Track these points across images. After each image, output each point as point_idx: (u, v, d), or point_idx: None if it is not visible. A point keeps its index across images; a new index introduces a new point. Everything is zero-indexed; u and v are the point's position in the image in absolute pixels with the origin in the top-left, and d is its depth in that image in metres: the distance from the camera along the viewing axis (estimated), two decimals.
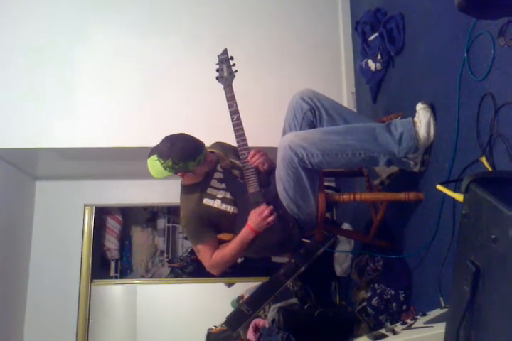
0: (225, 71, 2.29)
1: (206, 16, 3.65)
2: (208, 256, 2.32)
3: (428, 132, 2.06)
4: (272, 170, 2.28)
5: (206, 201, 2.34)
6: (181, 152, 2.22)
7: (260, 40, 3.63)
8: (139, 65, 3.55)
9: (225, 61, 2.31)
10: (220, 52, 2.35)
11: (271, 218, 2.21)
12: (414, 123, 2.08)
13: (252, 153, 2.28)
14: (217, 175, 2.41)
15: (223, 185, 2.37)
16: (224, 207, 2.33)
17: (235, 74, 2.29)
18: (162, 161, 2.23)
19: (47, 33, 3.54)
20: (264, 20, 3.68)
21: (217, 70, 2.32)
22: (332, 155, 2.04)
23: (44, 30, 3.55)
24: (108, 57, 3.57)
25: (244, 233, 2.25)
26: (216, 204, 2.33)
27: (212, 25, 3.63)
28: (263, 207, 2.23)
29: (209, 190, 2.36)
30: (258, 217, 2.22)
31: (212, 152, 2.49)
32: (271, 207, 2.23)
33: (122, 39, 3.59)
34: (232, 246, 2.28)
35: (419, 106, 2.11)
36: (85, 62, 3.54)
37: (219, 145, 2.63)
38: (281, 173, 2.13)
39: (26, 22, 3.54)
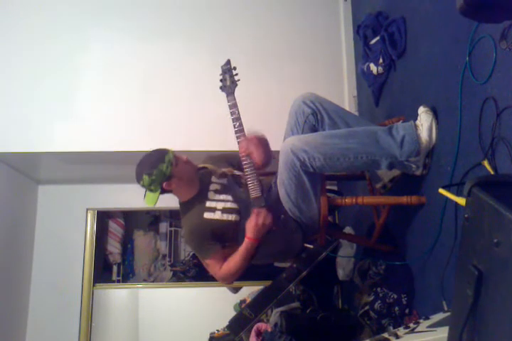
0: (228, 80, 2.31)
1: (207, 21, 3.65)
2: (217, 269, 2.31)
3: (430, 135, 2.06)
4: (273, 173, 2.29)
5: (207, 215, 2.33)
6: (146, 162, 2.28)
7: (261, 44, 3.64)
8: (139, 69, 3.56)
9: (228, 71, 2.33)
10: (223, 63, 2.37)
11: (261, 220, 2.19)
12: (416, 127, 2.08)
13: (242, 142, 2.26)
14: (213, 186, 2.41)
15: (222, 196, 2.37)
16: (225, 216, 2.32)
17: (237, 83, 2.31)
18: (142, 183, 2.27)
19: (48, 37, 3.55)
20: (266, 24, 3.68)
21: (221, 80, 2.34)
22: (334, 158, 2.04)
23: (45, 35, 3.56)
24: (109, 61, 3.58)
25: (246, 244, 2.23)
26: (217, 216, 2.32)
27: (212, 29, 3.64)
28: (253, 214, 2.21)
29: (208, 204, 2.35)
30: (249, 224, 2.21)
31: (204, 167, 2.49)
32: (261, 211, 2.21)
33: (122, 43, 3.60)
34: (237, 258, 2.26)
35: (421, 110, 2.11)
36: (86, 67, 3.55)
37: (208, 158, 2.62)
38: (283, 177, 2.13)
39: (27, 27, 3.55)
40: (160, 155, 2.28)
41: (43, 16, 3.59)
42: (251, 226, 2.21)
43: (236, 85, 2.31)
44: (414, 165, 2.12)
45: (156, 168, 2.23)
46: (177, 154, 2.33)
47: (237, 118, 2.27)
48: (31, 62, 3.52)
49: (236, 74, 2.32)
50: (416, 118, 2.13)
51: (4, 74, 3.49)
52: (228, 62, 2.35)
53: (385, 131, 2.10)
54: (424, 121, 2.07)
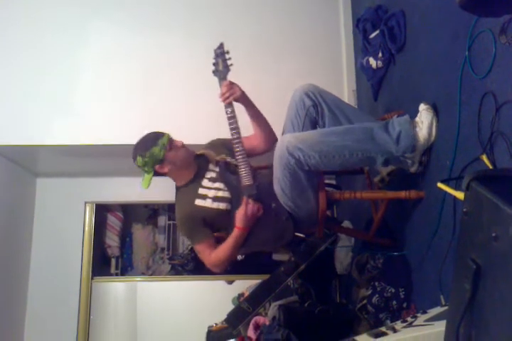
0: (221, 65, 2.29)
1: (205, 13, 3.65)
2: (207, 254, 2.34)
3: (429, 133, 2.05)
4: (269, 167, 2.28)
5: (198, 202, 2.35)
6: (141, 144, 2.34)
7: (260, 37, 3.63)
8: (138, 63, 3.56)
9: (220, 55, 2.30)
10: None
11: (250, 210, 2.21)
12: (415, 124, 2.07)
13: (223, 90, 2.26)
14: (209, 174, 2.42)
15: (216, 184, 2.37)
16: (216, 205, 2.33)
17: (230, 67, 2.28)
18: (136, 163, 2.33)
19: (47, 31, 3.55)
20: (265, 17, 3.67)
21: (214, 64, 2.32)
22: (329, 156, 2.03)
23: (44, 29, 3.55)
24: (107, 54, 3.58)
25: (235, 233, 2.25)
26: (207, 203, 2.33)
27: (211, 22, 3.63)
28: (243, 204, 2.23)
29: (200, 191, 2.37)
30: (239, 214, 2.23)
31: (201, 154, 2.50)
32: (250, 200, 2.23)
33: (121, 37, 3.60)
34: (226, 246, 2.29)
35: (422, 107, 2.10)
36: (85, 60, 3.55)
37: (209, 144, 2.62)
38: (277, 173, 2.12)
39: (27, 21, 3.55)
40: (154, 138, 2.31)
41: (42, 10, 3.58)
42: (240, 216, 2.23)
43: (229, 70, 2.29)
44: (410, 161, 2.12)
45: (149, 150, 2.28)
46: (173, 139, 2.35)
47: (229, 105, 2.26)
48: (30, 55, 3.52)
49: (229, 59, 2.29)
50: (415, 113, 2.12)
51: (3, 67, 3.48)
52: (221, 45, 2.32)
53: (381, 128, 2.09)
54: (425, 118, 2.06)
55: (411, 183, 2.25)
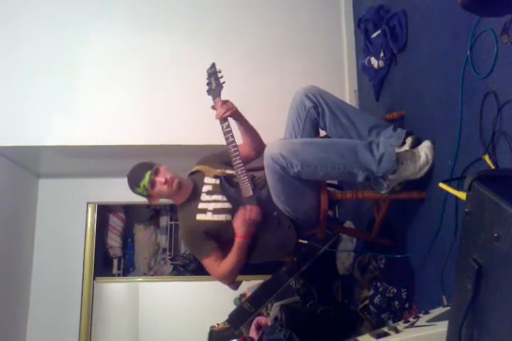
0: (214, 83, 2.34)
1: (208, 14, 3.64)
2: (215, 267, 2.35)
3: (421, 169, 2.07)
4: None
5: (199, 216, 2.37)
6: (128, 183, 2.39)
7: (262, 38, 3.62)
8: (139, 62, 3.55)
9: (213, 74, 2.35)
10: (208, 67, 2.39)
11: (247, 216, 2.21)
12: (413, 154, 2.09)
13: (218, 107, 2.31)
14: (206, 188, 2.44)
15: (214, 197, 2.39)
16: (216, 217, 2.35)
17: (223, 85, 2.33)
18: None
19: (47, 30, 3.54)
20: (266, 18, 3.67)
21: (207, 84, 2.37)
22: (311, 166, 2.01)
23: (44, 28, 3.54)
24: (109, 54, 3.56)
25: (237, 243, 2.26)
26: (208, 216, 2.36)
27: (213, 21, 3.63)
28: (239, 212, 2.24)
29: (200, 205, 2.39)
30: (237, 223, 2.24)
31: (196, 171, 2.54)
32: (246, 207, 2.24)
33: (122, 35, 3.59)
34: (231, 258, 2.30)
35: (427, 144, 2.10)
36: (86, 60, 3.54)
37: (203, 159, 2.63)
38: (269, 180, 2.13)
39: (27, 19, 3.54)
40: (137, 177, 2.35)
41: (42, 7, 3.57)
42: (238, 224, 2.24)
43: (222, 88, 2.33)
44: (385, 184, 2.12)
45: (134, 189, 2.37)
46: (156, 176, 2.35)
47: (224, 120, 2.29)
48: (31, 54, 3.51)
49: (221, 77, 2.33)
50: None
51: (4, 67, 3.48)
52: (213, 65, 2.37)
53: (365, 146, 2.08)
54: (424, 155, 2.07)
55: (413, 183, 2.24)
